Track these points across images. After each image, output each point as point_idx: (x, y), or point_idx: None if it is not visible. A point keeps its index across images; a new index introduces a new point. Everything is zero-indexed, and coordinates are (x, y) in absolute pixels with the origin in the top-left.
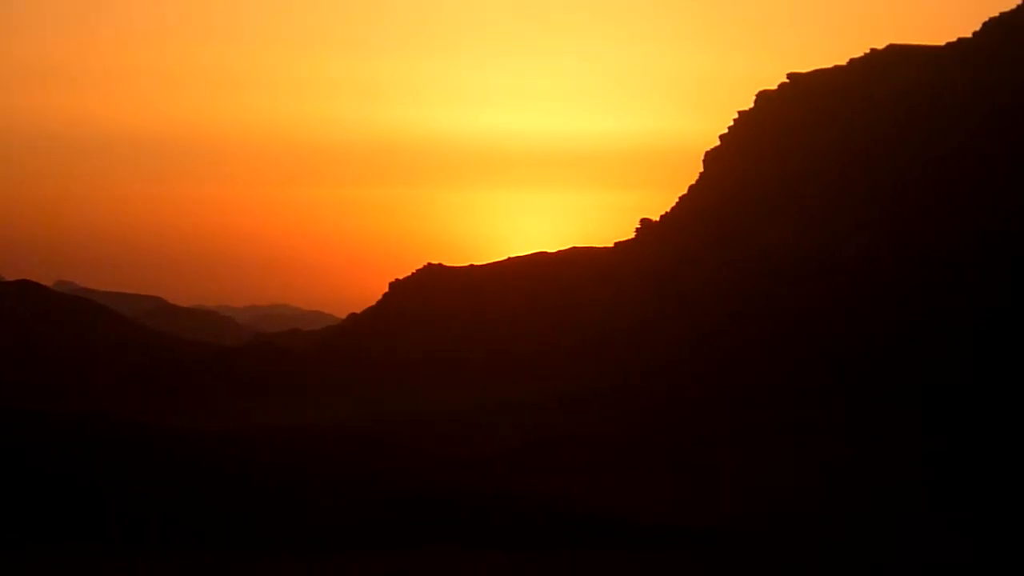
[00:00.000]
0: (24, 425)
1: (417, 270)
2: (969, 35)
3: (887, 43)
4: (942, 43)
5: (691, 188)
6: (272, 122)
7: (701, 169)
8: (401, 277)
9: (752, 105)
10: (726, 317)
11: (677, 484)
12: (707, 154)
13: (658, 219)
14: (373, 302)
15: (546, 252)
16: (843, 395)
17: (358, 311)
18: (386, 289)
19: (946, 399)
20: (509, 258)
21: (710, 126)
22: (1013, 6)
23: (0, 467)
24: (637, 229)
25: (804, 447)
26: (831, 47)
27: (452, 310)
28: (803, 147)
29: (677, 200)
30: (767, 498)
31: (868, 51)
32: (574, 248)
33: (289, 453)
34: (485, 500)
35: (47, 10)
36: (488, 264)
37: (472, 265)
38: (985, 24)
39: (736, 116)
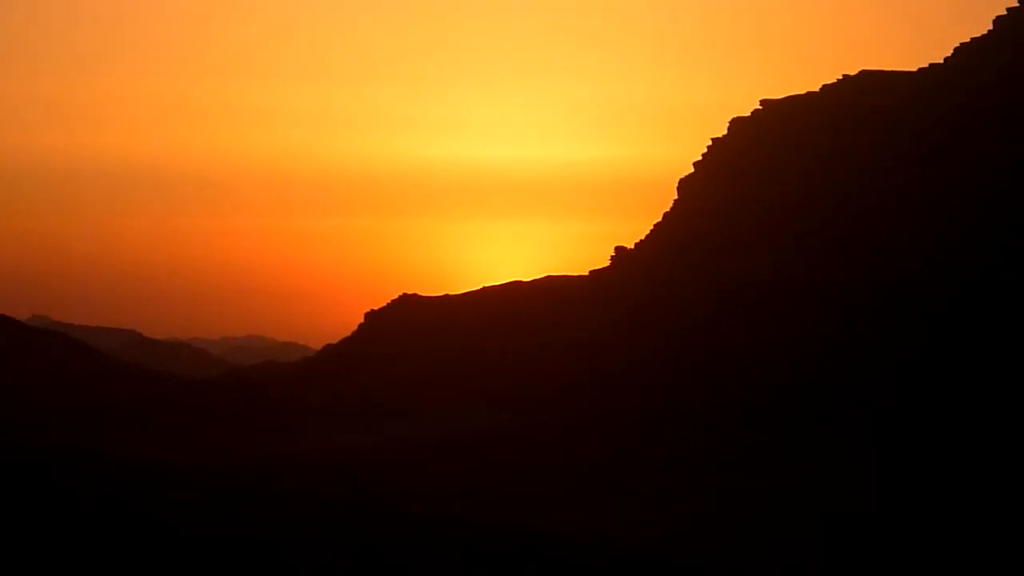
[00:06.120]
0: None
1: (392, 300)
2: (941, 60)
3: (859, 69)
4: (914, 68)
5: (665, 215)
6: (244, 153)
7: (675, 196)
8: (376, 307)
9: (725, 132)
10: (702, 344)
11: (657, 513)
12: (681, 181)
13: (633, 247)
14: (348, 333)
15: (521, 281)
16: (820, 422)
17: (334, 342)
18: (361, 320)
19: (937, 424)
20: (484, 287)
21: (684, 153)
22: (984, 31)
23: None
24: (612, 257)
25: (781, 475)
26: (804, 74)
27: (427, 340)
28: (777, 173)
29: (652, 228)
30: (744, 527)
31: (840, 77)
32: (549, 276)
33: (263, 486)
34: (470, 531)
35: (42, 41)
36: (463, 294)
37: (447, 295)
38: (957, 49)
39: (709, 143)
